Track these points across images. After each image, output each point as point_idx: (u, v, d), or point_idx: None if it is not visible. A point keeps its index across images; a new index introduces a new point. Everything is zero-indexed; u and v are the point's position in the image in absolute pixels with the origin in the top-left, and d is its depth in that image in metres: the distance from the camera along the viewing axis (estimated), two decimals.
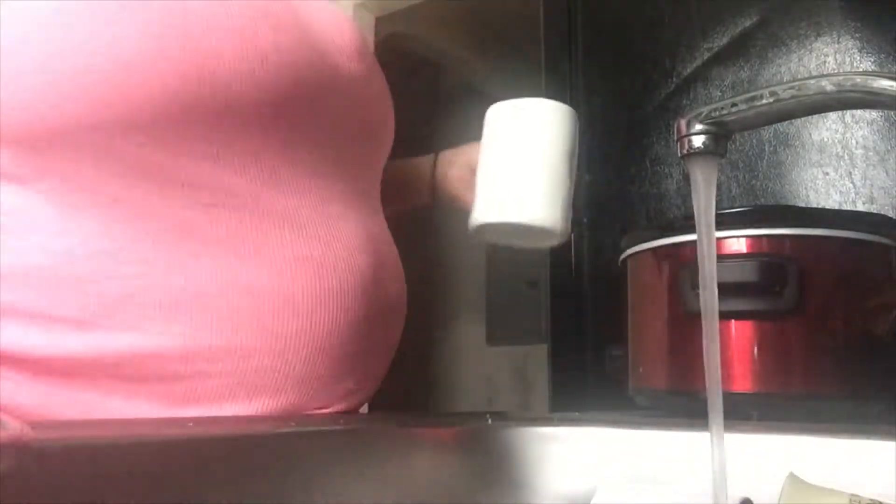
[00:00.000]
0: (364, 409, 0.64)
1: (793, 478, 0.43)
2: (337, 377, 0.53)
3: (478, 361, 2.11)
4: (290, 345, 0.49)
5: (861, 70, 0.96)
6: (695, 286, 0.65)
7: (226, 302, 0.47)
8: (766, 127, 1.00)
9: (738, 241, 0.65)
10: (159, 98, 0.43)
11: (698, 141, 0.42)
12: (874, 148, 0.94)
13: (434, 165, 0.78)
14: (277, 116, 0.49)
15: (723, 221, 0.63)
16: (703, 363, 0.42)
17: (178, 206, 0.46)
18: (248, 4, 0.48)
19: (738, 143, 1.02)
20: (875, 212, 0.92)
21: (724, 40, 1.06)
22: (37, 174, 0.44)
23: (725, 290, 0.58)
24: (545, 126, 0.66)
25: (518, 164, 0.65)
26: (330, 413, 0.58)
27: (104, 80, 0.42)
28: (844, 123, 0.96)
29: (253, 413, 0.49)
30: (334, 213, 0.53)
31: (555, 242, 0.69)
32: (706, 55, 1.08)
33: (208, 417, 0.53)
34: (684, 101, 1.09)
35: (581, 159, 1.17)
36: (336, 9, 0.60)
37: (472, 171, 0.72)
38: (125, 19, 0.43)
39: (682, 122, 0.43)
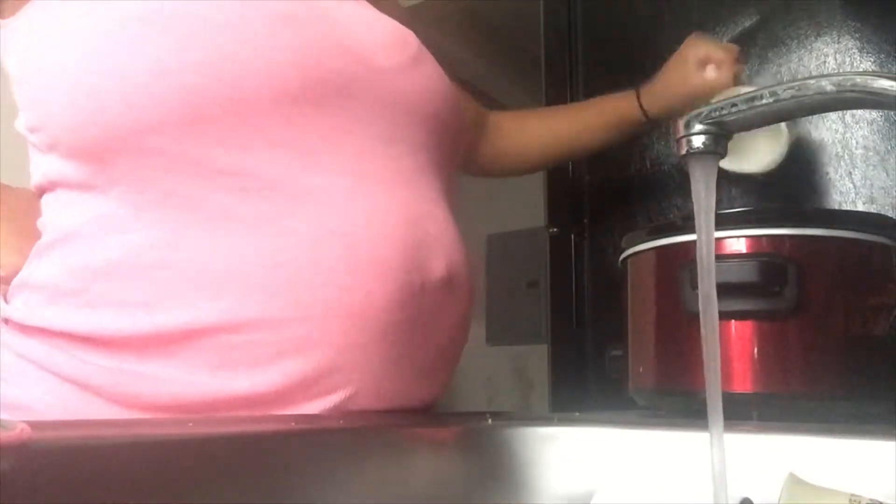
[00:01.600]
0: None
1: (793, 478, 0.43)
2: (377, 345, 0.54)
3: (478, 361, 2.11)
4: (326, 314, 0.52)
5: (861, 70, 0.96)
6: (695, 286, 0.65)
7: (263, 277, 0.51)
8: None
9: (738, 241, 0.65)
10: (185, 99, 0.50)
11: (698, 141, 0.42)
12: (874, 148, 0.94)
13: (640, 104, 0.90)
14: (302, 107, 0.53)
15: (723, 221, 0.63)
16: (702, 363, 0.42)
17: (218, 194, 0.51)
18: (268, 12, 0.53)
19: None
20: (875, 212, 0.92)
21: (724, 40, 1.06)
22: (109, 183, 0.52)
23: (725, 290, 0.58)
24: None
25: None
26: (318, 412, 0.58)
27: (141, 91, 0.50)
28: (844, 123, 0.96)
29: (298, 379, 0.53)
30: (373, 191, 0.55)
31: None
32: None
33: (208, 418, 0.53)
34: None
35: (581, 159, 1.17)
36: (373, 12, 0.64)
37: (678, 104, 0.88)
38: (153, 38, 0.50)
39: (682, 122, 0.43)
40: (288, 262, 0.52)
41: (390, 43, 0.61)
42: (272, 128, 0.52)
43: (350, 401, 0.55)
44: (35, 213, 0.57)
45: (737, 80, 0.89)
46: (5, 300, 0.56)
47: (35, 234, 0.56)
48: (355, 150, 0.56)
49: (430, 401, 0.64)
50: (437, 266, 0.58)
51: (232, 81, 0.51)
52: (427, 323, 0.58)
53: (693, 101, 0.88)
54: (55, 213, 0.56)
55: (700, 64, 0.89)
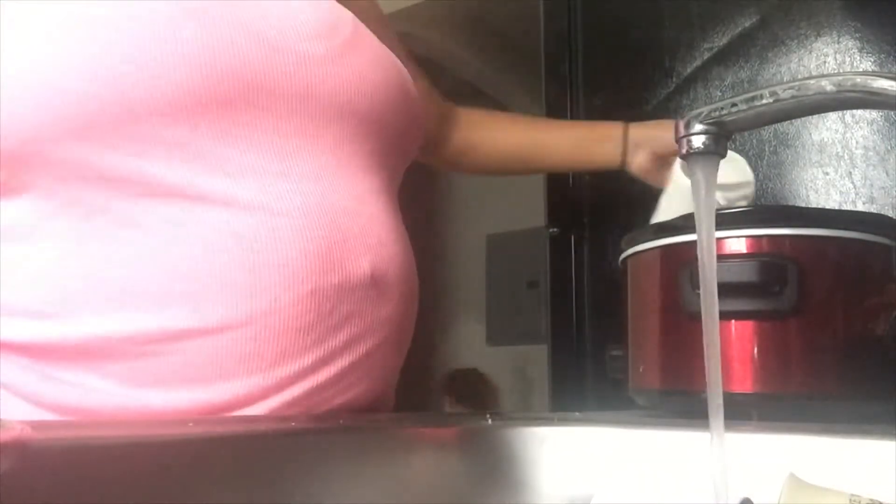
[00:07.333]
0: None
1: (793, 478, 0.43)
2: (292, 353, 0.52)
3: (478, 361, 2.11)
4: (229, 323, 0.50)
5: (861, 70, 0.96)
6: (695, 286, 0.65)
7: (163, 288, 0.49)
8: (766, 127, 1.00)
9: (738, 241, 0.65)
10: (73, 107, 0.48)
11: (698, 141, 0.42)
12: (874, 148, 0.94)
13: (624, 143, 0.90)
14: (206, 106, 0.51)
15: (723, 221, 0.63)
16: (702, 363, 0.42)
17: (118, 202, 0.50)
18: (171, 8, 0.50)
19: (738, 143, 1.02)
20: (875, 212, 0.92)
21: (724, 40, 1.06)
22: (19, 190, 0.50)
23: (725, 290, 0.58)
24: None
25: None
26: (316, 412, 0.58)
27: (31, 100, 0.48)
28: (844, 123, 0.96)
29: (208, 395, 0.50)
30: (283, 190, 0.53)
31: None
32: (706, 55, 1.08)
33: (209, 418, 0.53)
34: (684, 101, 1.09)
35: None
36: None
37: (657, 160, 0.89)
38: (45, 46, 0.48)
39: (682, 122, 0.43)
40: (186, 271, 0.50)
41: (314, 31, 0.57)
42: (171, 131, 0.50)
43: (272, 412, 0.53)
44: None
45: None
46: None
47: None
48: (267, 148, 0.53)
49: (375, 402, 0.61)
50: (359, 265, 0.55)
51: (122, 87, 0.48)
52: (352, 324, 0.55)
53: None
54: None
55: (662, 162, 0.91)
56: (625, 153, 0.91)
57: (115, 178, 0.49)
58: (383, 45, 0.65)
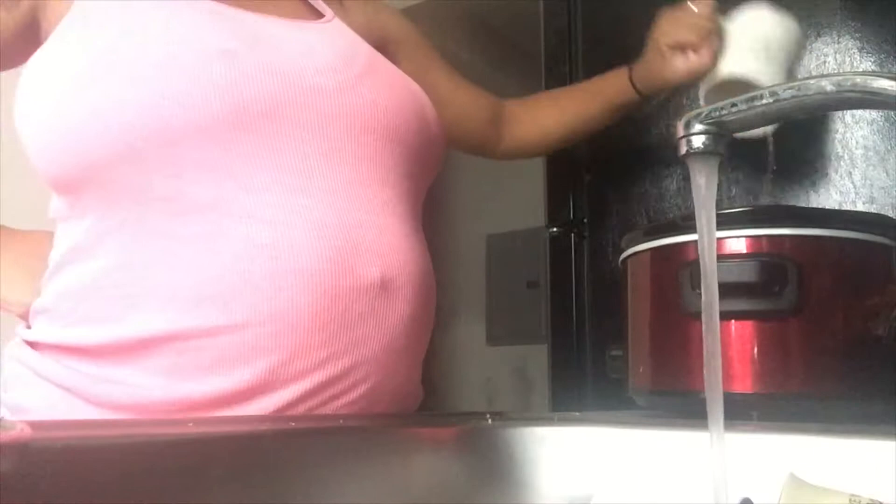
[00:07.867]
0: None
1: (793, 478, 0.43)
2: (307, 347, 0.58)
3: (478, 361, 2.11)
4: (253, 321, 0.57)
5: (861, 70, 0.96)
6: (695, 286, 0.65)
7: (198, 291, 0.57)
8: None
9: (738, 241, 0.65)
10: (119, 136, 0.56)
11: (698, 141, 0.42)
12: (874, 148, 0.94)
13: (633, 85, 0.94)
14: (233, 132, 0.58)
15: (723, 221, 0.63)
16: (703, 363, 0.42)
17: (160, 219, 0.57)
18: (203, 50, 0.58)
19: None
20: (875, 212, 0.92)
21: None
22: (81, 214, 0.60)
23: (725, 290, 0.58)
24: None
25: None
26: (322, 412, 0.58)
27: (84, 131, 0.56)
28: (844, 123, 0.96)
29: (235, 383, 0.57)
30: (302, 205, 0.59)
31: None
32: None
33: (208, 417, 0.53)
34: (684, 101, 1.09)
35: (581, 159, 1.18)
36: (321, 35, 0.67)
37: (672, 52, 0.89)
38: (93, 84, 0.56)
39: (682, 123, 0.43)
40: (217, 277, 0.56)
41: (329, 66, 0.64)
42: (203, 154, 0.57)
43: (291, 405, 0.58)
44: (43, 251, 0.64)
45: (716, 57, 0.87)
46: (28, 327, 0.65)
47: (43, 271, 0.64)
48: (288, 168, 0.60)
49: (398, 397, 0.67)
50: (370, 272, 0.61)
51: (160, 117, 0.56)
52: (363, 323, 0.61)
53: (685, 82, 0.91)
54: (55, 244, 0.63)
55: (675, 51, 0.88)
56: (631, 76, 0.94)
57: (157, 197, 0.57)
58: (399, 73, 0.72)
